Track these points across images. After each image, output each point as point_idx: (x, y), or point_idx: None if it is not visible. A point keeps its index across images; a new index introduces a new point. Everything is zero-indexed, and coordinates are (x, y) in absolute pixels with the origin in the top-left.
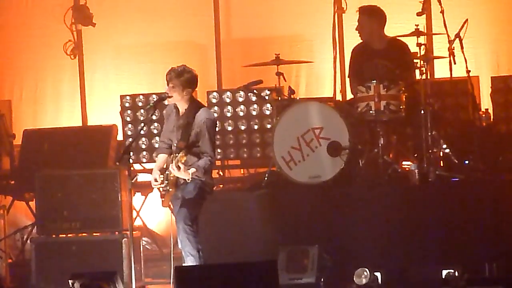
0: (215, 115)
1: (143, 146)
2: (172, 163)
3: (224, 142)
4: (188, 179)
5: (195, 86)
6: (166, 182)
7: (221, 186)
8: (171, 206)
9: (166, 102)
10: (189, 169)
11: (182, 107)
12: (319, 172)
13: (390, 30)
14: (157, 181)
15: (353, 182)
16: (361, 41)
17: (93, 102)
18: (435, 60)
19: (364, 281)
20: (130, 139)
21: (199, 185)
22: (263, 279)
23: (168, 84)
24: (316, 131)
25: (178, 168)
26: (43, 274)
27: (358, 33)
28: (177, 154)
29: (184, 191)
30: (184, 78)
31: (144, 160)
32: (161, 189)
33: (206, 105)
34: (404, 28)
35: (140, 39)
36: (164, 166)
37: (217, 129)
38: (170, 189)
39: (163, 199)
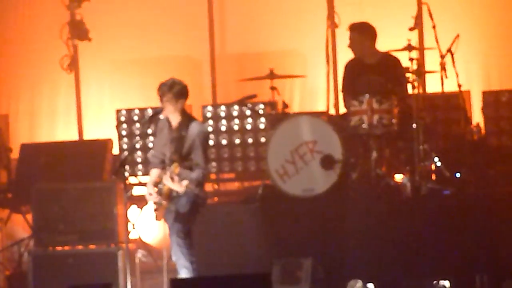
0: (210, 129)
1: (139, 160)
2: (165, 175)
3: (219, 155)
4: (182, 191)
5: (187, 96)
6: (159, 196)
7: (215, 199)
8: (165, 220)
9: (161, 116)
10: (182, 181)
11: (175, 120)
12: (312, 185)
13: (383, 45)
14: (151, 195)
15: (346, 195)
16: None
17: (88, 116)
18: (427, 75)
19: None
20: (126, 153)
21: (192, 198)
22: None
23: (161, 99)
24: (310, 144)
25: (172, 179)
26: (40, 286)
27: (351, 49)
28: (170, 166)
29: (177, 205)
30: (175, 90)
31: (140, 173)
32: (154, 203)
33: (201, 119)
34: (397, 42)
35: (136, 54)
36: (158, 180)
37: (210, 142)
38: (164, 202)
39: (156, 213)
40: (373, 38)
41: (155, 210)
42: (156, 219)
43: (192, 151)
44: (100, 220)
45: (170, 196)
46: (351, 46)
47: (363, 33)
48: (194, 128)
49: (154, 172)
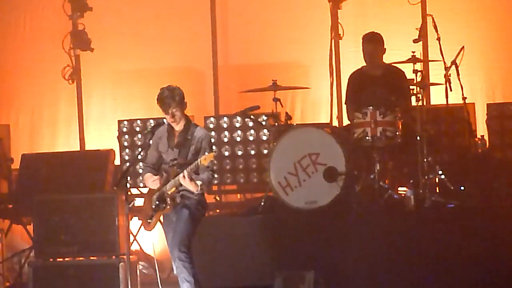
0: (212, 140)
1: (141, 171)
2: (182, 173)
3: (221, 167)
4: (196, 191)
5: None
6: (157, 202)
7: (217, 211)
8: (165, 233)
9: (176, 127)
10: (197, 181)
11: (180, 126)
12: (315, 197)
13: (387, 57)
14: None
15: (349, 208)
16: (358, 67)
17: (90, 127)
18: (431, 87)
19: None
20: (128, 164)
21: (194, 206)
22: None
23: (169, 110)
24: (313, 156)
25: (190, 177)
26: None
27: (364, 59)
28: (176, 168)
29: (178, 214)
30: (179, 97)
31: (141, 184)
32: (155, 206)
33: None
34: (401, 54)
35: (138, 65)
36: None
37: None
38: (167, 207)
39: (150, 221)
40: (383, 49)
41: (149, 218)
42: (146, 229)
43: (198, 153)
44: (101, 232)
45: (174, 200)
46: (365, 56)
47: (378, 43)
48: (199, 131)
49: (149, 176)
